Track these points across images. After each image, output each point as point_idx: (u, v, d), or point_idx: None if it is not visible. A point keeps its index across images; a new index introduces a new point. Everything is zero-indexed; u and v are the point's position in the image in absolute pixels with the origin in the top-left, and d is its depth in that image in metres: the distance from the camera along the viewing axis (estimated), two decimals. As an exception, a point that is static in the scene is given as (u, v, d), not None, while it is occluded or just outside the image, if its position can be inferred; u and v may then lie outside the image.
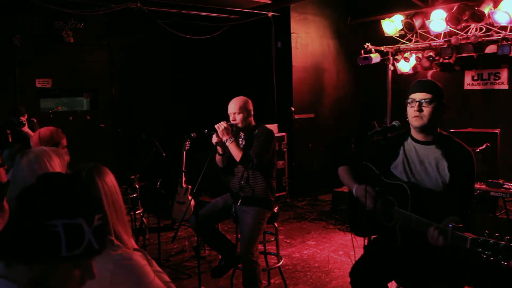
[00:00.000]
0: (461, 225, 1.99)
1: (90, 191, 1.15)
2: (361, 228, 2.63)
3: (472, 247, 1.86)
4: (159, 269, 1.86)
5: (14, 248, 1.06)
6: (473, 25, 5.44)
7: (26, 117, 5.02)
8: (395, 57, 6.50)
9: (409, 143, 2.47)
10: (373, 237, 2.57)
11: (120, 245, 1.70)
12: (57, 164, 2.46)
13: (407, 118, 2.44)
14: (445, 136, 2.42)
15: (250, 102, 3.60)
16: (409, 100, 2.37)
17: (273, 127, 6.53)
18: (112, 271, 1.60)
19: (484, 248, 1.81)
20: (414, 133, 2.45)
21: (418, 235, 2.17)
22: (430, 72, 6.68)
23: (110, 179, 1.78)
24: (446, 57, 5.99)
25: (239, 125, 3.53)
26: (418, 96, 2.34)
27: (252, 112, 3.60)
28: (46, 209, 1.05)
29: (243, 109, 3.52)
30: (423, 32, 6.04)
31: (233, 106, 3.54)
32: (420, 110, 2.33)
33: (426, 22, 5.71)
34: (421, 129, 2.39)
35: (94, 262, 1.61)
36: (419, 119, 2.34)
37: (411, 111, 2.36)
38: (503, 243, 1.77)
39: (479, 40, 5.37)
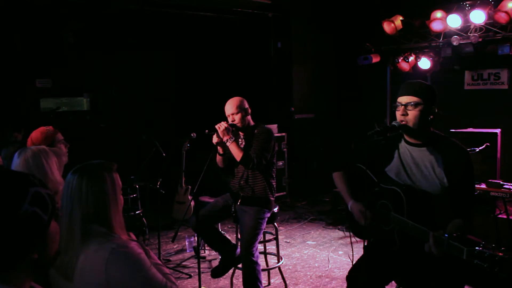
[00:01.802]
0: (458, 233, 1.97)
1: (11, 171, 1.26)
2: (360, 230, 2.63)
3: (468, 258, 1.84)
4: (158, 261, 1.87)
5: (15, 252, 1.11)
6: (473, 25, 5.44)
7: (22, 132, 4.85)
8: (395, 57, 6.49)
9: (403, 145, 2.45)
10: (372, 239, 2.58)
11: (115, 236, 1.71)
12: (54, 163, 2.47)
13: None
14: (439, 137, 2.38)
15: (245, 101, 3.61)
16: (396, 104, 2.36)
17: (273, 127, 6.53)
18: (107, 259, 1.61)
19: (480, 260, 1.79)
20: (406, 136, 2.42)
21: (417, 238, 2.17)
22: (430, 72, 6.67)
23: (116, 176, 1.81)
24: (446, 57, 5.99)
25: (238, 124, 3.54)
26: (404, 99, 2.33)
27: (249, 111, 3.61)
28: (11, 204, 1.11)
29: (240, 108, 3.53)
30: (423, 32, 6.04)
31: (230, 107, 3.55)
32: (405, 113, 2.31)
33: (426, 22, 5.71)
34: (408, 133, 2.37)
35: (90, 252, 1.63)
36: (404, 123, 2.32)
37: (397, 114, 2.35)
38: (500, 254, 1.75)
39: (479, 40, 5.37)
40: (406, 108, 2.31)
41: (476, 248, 1.81)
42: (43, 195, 1.17)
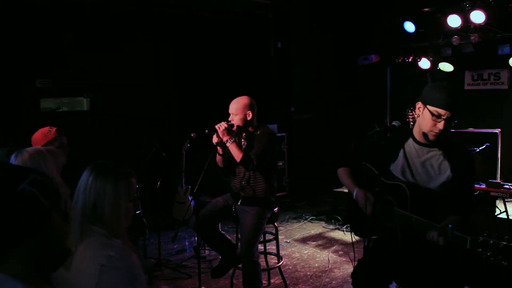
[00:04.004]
0: (460, 225, 2.00)
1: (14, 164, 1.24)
2: (361, 229, 2.63)
3: (472, 247, 1.86)
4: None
5: (9, 231, 1.08)
6: (473, 25, 5.44)
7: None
8: (395, 57, 6.48)
9: (409, 144, 2.46)
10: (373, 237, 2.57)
11: (116, 242, 1.69)
12: (52, 164, 2.47)
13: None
14: (447, 138, 2.42)
15: (253, 103, 3.57)
16: (435, 113, 2.28)
17: (273, 127, 6.53)
18: (102, 265, 1.59)
19: (484, 249, 1.81)
20: (418, 135, 2.43)
21: (419, 236, 2.17)
22: (430, 72, 6.67)
23: (126, 183, 1.79)
24: (446, 57, 5.99)
25: (236, 126, 3.52)
26: (445, 113, 2.27)
27: (254, 113, 3.57)
28: (9, 181, 1.09)
29: (240, 110, 3.50)
30: (423, 31, 6.04)
31: (232, 107, 3.54)
32: (445, 127, 2.28)
33: (427, 22, 5.72)
34: (428, 137, 2.38)
35: (88, 251, 1.61)
36: (438, 133, 2.31)
37: (433, 124, 2.30)
38: (503, 243, 1.78)
39: (479, 40, 5.37)
40: (446, 122, 2.28)
41: (480, 237, 1.84)
42: (45, 183, 1.14)
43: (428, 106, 2.31)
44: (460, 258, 2.36)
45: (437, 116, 2.28)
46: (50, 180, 1.19)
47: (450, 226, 1.99)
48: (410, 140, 2.47)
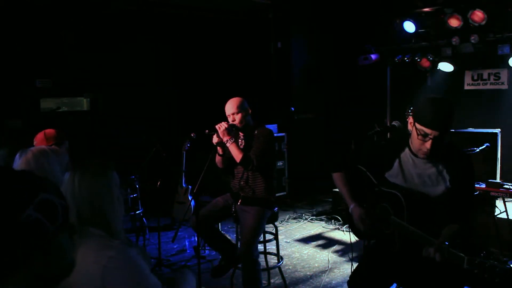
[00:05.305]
0: (459, 235, 1.99)
1: (27, 172, 1.11)
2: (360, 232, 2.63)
3: (469, 267, 1.86)
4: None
5: (6, 262, 1.01)
6: (473, 25, 5.43)
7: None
8: (395, 57, 6.48)
9: (406, 154, 2.39)
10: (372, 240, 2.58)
11: (114, 242, 1.67)
12: (55, 163, 2.48)
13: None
14: (445, 144, 2.33)
15: (245, 101, 3.62)
16: (421, 132, 2.18)
17: (273, 127, 6.53)
18: (105, 265, 1.57)
19: (480, 270, 1.81)
20: (413, 147, 2.35)
21: (417, 241, 2.17)
22: (430, 72, 6.66)
23: (112, 174, 1.77)
24: (446, 57, 5.99)
25: (238, 125, 3.54)
26: (432, 132, 2.16)
27: (250, 112, 3.61)
28: (13, 207, 1.01)
29: (240, 108, 3.53)
30: (423, 31, 6.04)
31: (231, 107, 3.55)
32: (433, 146, 2.19)
33: (427, 22, 5.72)
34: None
35: (88, 255, 1.59)
36: (427, 152, 2.23)
37: (421, 143, 2.21)
38: (499, 265, 1.77)
39: (479, 40, 5.36)
40: (434, 141, 2.18)
41: (477, 258, 1.83)
42: (55, 204, 1.06)
43: (416, 124, 2.21)
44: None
45: (423, 135, 2.18)
46: (62, 197, 1.11)
47: (447, 243, 1.97)
48: (407, 150, 2.38)
